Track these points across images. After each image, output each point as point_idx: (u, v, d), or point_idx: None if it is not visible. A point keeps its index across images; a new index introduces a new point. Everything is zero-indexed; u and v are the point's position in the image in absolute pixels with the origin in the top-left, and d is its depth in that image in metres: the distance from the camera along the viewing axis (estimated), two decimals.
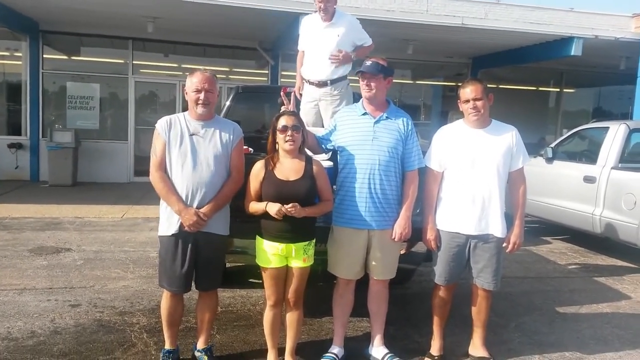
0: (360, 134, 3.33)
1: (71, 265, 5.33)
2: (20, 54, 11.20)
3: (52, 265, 5.28)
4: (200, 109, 3.12)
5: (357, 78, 3.42)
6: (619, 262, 6.54)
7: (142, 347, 3.55)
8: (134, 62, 11.58)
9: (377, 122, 3.33)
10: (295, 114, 3.30)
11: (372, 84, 3.30)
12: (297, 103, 4.58)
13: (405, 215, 3.31)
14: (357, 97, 3.73)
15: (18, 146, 10.92)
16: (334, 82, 4.34)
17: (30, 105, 11.08)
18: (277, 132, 3.12)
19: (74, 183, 10.55)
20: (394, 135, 3.31)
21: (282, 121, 3.11)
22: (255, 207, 3.11)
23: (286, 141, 3.09)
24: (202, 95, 3.10)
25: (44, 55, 11.18)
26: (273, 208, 2.99)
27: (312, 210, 3.10)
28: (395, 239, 3.30)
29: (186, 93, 3.18)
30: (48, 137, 10.52)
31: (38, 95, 11.10)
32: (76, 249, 5.93)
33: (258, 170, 3.15)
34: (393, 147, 3.29)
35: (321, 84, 4.36)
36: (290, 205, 2.97)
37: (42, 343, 3.55)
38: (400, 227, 3.29)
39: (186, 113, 3.22)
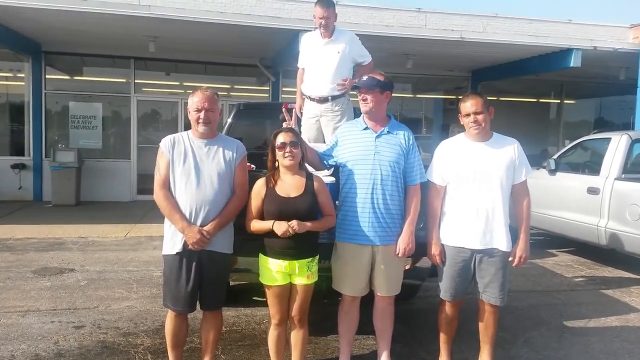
0: (362, 148, 3.33)
1: (75, 285, 5.31)
2: (22, 75, 11.28)
3: (56, 286, 5.26)
4: (201, 128, 3.14)
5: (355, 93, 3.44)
6: (626, 274, 6.49)
7: None
8: (135, 81, 11.65)
9: (378, 136, 3.33)
10: (292, 130, 3.31)
11: (369, 98, 3.31)
12: (298, 120, 4.59)
13: (409, 230, 3.29)
14: (358, 113, 3.74)
15: (21, 166, 10.95)
16: (334, 98, 4.37)
17: (33, 125, 11.13)
18: (276, 150, 3.13)
19: (77, 202, 10.56)
20: (396, 150, 3.31)
21: (280, 138, 3.13)
22: (258, 225, 3.10)
23: (285, 157, 3.10)
24: (202, 115, 3.12)
25: (47, 76, 11.25)
26: (280, 228, 2.98)
27: (314, 225, 3.10)
28: (399, 255, 3.28)
29: (189, 112, 3.20)
30: (51, 157, 10.54)
31: (41, 116, 11.15)
32: (80, 269, 5.91)
33: (259, 188, 3.15)
34: (395, 161, 3.29)
35: (322, 100, 4.38)
36: (290, 223, 2.98)
37: None
38: (404, 242, 3.27)
39: (190, 131, 3.24)
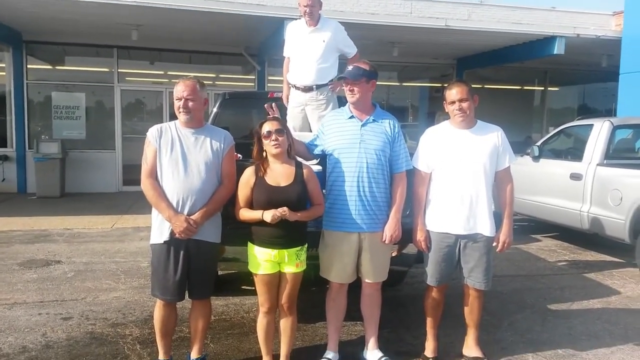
0: (348, 137, 3.34)
1: (62, 277, 5.29)
2: (3, 65, 11.09)
3: (43, 278, 5.23)
4: (182, 117, 3.14)
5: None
6: (608, 258, 6.61)
7: (136, 359, 3.53)
8: (119, 70, 11.53)
9: (364, 125, 3.35)
10: (277, 119, 3.32)
11: (355, 89, 3.33)
12: (284, 110, 4.59)
13: (395, 217, 3.32)
14: (343, 101, 3.75)
15: (4, 158, 10.82)
16: (319, 87, 4.38)
17: (15, 116, 10.98)
18: (263, 139, 3.14)
19: (62, 194, 10.46)
20: (381, 138, 3.33)
21: (266, 127, 3.14)
22: (248, 215, 3.10)
23: (272, 145, 3.11)
24: (182, 103, 3.12)
25: (28, 66, 11.09)
26: (269, 216, 3.00)
27: (304, 214, 3.12)
28: (386, 241, 3.32)
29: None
30: (34, 149, 10.43)
31: (23, 106, 11.00)
32: (66, 261, 5.88)
33: (248, 177, 3.15)
34: (381, 149, 3.31)
35: (307, 89, 4.39)
36: (280, 208, 2.99)
37: (34, 358, 3.51)
38: (390, 229, 3.30)
39: (177, 121, 3.23)
